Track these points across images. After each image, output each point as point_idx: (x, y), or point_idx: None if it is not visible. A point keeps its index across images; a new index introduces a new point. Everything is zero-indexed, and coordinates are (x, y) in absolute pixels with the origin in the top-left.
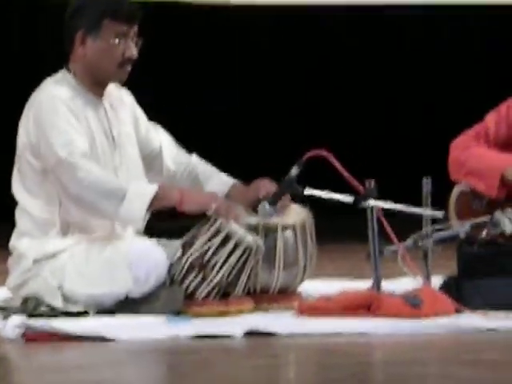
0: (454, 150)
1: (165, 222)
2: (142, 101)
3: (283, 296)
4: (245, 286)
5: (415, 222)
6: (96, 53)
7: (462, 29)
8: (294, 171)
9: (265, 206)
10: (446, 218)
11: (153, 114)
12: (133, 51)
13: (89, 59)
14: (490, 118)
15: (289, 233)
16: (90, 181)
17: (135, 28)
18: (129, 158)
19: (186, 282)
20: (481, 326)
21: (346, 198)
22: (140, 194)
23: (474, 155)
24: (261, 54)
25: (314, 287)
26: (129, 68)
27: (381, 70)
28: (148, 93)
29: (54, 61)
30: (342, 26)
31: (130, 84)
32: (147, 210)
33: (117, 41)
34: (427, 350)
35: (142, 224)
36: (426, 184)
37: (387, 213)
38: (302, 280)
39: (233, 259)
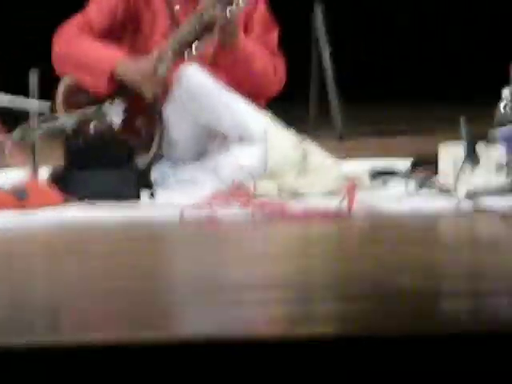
0: (57, 42)
1: None
2: None
3: None
4: None
5: (22, 114)
6: None
7: None
8: None
9: None
10: (53, 111)
11: None
12: None
13: None
14: (91, 7)
15: None
16: None
17: None
18: None
19: None
20: (86, 216)
21: None
22: None
23: (80, 48)
24: None
25: None
26: None
27: None
28: None
29: None
30: None
31: None
32: None
33: None
34: (33, 243)
35: None
36: (33, 76)
37: None
38: None
39: None
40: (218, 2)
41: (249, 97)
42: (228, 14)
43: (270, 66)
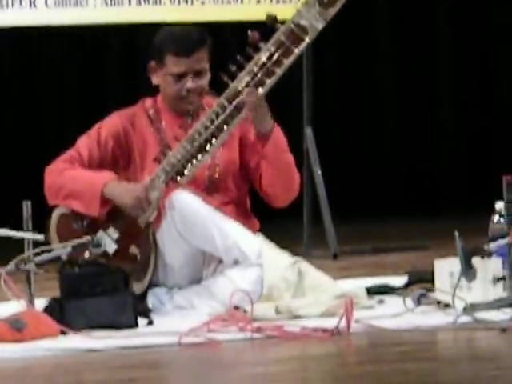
0: (48, 175)
1: None
2: None
3: None
4: None
5: (17, 246)
6: None
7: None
8: None
9: None
10: (47, 241)
11: None
12: None
13: None
14: (82, 143)
15: None
16: None
17: None
18: None
19: None
20: (83, 346)
21: None
22: None
23: (70, 177)
24: None
25: None
26: None
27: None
28: None
29: None
30: None
31: None
32: None
33: None
34: (30, 375)
35: None
36: (26, 207)
37: None
38: None
39: None
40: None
41: (281, 191)
42: (258, 94)
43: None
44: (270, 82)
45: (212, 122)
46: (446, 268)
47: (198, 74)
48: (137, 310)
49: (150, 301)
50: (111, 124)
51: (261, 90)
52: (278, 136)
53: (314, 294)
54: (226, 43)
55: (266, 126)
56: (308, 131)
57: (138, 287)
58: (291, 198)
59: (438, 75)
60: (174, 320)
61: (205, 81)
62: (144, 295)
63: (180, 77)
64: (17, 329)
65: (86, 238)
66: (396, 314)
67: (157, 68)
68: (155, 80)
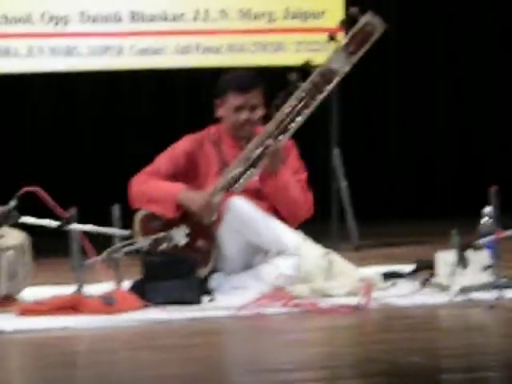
0: (134, 184)
1: None
2: None
3: (7, 301)
4: None
5: (109, 240)
6: None
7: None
8: (12, 203)
9: None
10: (132, 236)
11: None
12: None
13: None
14: (159, 159)
15: (11, 252)
16: None
17: None
18: None
19: None
20: (160, 317)
21: (53, 223)
22: None
23: (151, 186)
24: None
25: (30, 293)
26: None
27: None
28: None
29: None
30: None
31: None
32: None
33: None
34: (120, 339)
35: None
36: (116, 210)
37: (87, 233)
38: (22, 288)
39: None
40: (269, 136)
41: (284, 219)
42: (278, 143)
43: (301, 197)
44: (307, 112)
45: (261, 144)
46: (445, 258)
47: (252, 108)
48: (201, 290)
49: (212, 282)
50: (183, 146)
51: (282, 137)
52: (282, 178)
53: (340, 278)
54: (272, 83)
55: (276, 170)
56: (335, 151)
57: (202, 272)
58: (297, 222)
59: (436, 109)
60: (231, 298)
61: (257, 115)
62: (207, 278)
63: (238, 109)
64: (108, 304)
65: (163, 234)
66: (405, 294)
67: (221, 103)
68: (219, 112)
